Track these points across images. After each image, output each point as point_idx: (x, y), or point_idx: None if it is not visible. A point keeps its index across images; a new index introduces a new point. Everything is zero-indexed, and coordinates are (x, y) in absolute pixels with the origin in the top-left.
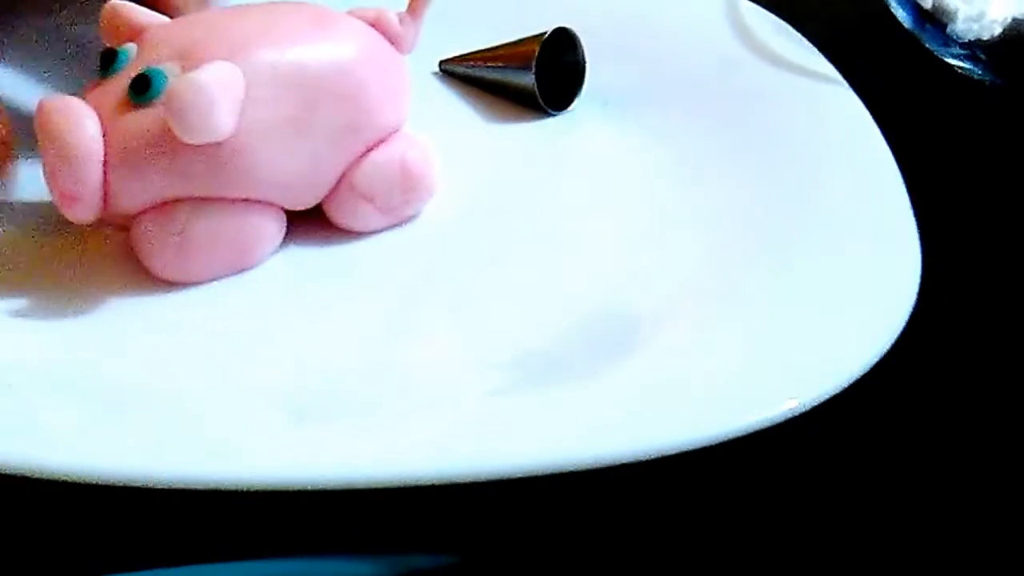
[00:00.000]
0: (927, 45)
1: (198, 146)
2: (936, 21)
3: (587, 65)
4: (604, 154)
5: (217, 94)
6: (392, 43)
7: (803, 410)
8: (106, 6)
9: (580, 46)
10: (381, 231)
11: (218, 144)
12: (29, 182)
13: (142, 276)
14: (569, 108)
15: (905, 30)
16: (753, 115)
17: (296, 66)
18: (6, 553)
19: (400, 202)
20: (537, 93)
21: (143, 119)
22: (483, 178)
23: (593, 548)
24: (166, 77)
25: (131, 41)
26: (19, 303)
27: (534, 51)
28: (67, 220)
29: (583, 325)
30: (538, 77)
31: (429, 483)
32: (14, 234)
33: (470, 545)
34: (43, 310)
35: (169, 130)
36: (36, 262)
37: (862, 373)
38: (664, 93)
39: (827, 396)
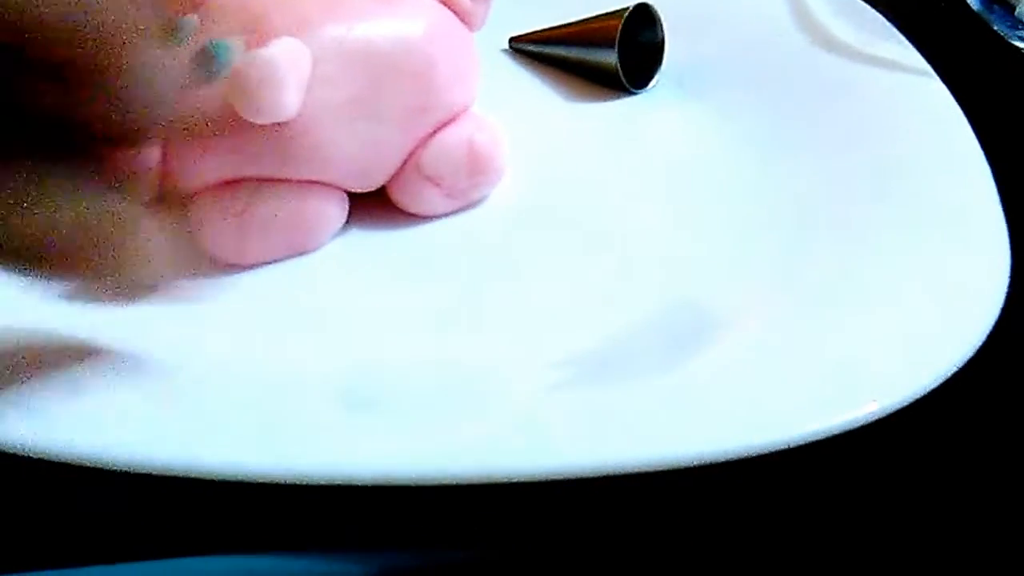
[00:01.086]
0: (995, 27)
1: (261, 125)
2: (1004, 3)
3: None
4: (680, 137)
5: (285, 73)
6: (461, 20)
7: (884, 414)
8: None
9: (660, 23)
10: (446, 215)
11: (282, 123)
12: None
13: (199, 257)
14: (649, 87)
15: (973, 12)
16: (835, 100)
17: (363, 43)
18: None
19: (467, 186)
20: (620, 71)
21: (206, 95)
22: (554, 161)
23: (637, 551)
24: (231, 52)
25: (192, 11)
26: (71, 285)
27: (616, 28)
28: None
29: (652, 319)
30: (620, 55)
31: (480, 482)
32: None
33: (486, 541)
34: (94, 292)
35: (231, 107)
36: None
37: (947, 376)
38: (741, 74)
39: (909, 400)
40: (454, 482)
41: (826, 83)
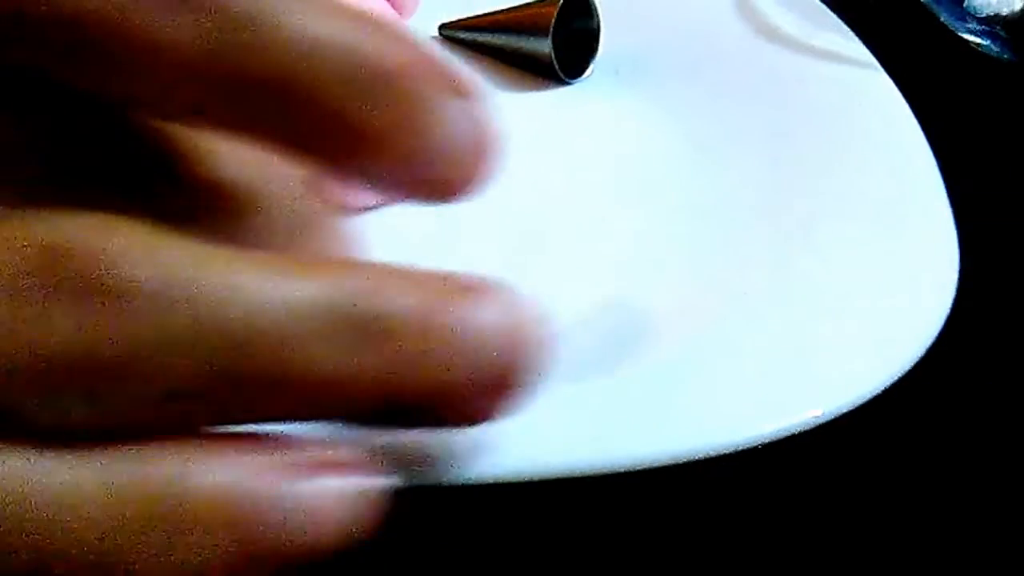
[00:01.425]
0: (942, 19)
1: None
2: None
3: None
4: (617, 129)
5: None
6: (391, 5)
7: (827, 419)
8: None
9: (595, 10)
10: (374, 208)
11: None
12: None
13: None
14: (583, 76)
15: (920, 3)
16: (777, 92)
17: None
18: None
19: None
20: (554, 61)
21: None
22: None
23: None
24: None
25: None
26: None
27: (551, 15)
28: None
29: (590, 320)
30: (554, 44)
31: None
32: None
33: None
34: None
35: None
36: None
37: (894, 380)
38: (680, 64)
39: (854, 405)
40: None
41: (768, 74)
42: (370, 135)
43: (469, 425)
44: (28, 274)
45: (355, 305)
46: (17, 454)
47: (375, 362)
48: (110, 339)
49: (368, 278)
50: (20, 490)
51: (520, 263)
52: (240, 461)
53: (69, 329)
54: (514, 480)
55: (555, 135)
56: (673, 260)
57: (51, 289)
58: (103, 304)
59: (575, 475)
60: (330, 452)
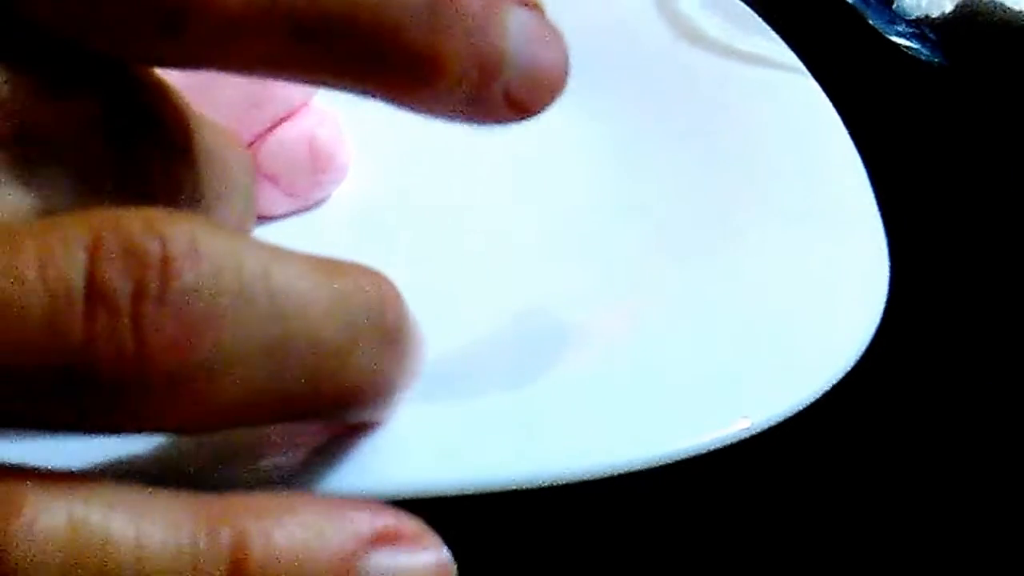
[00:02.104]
0: (871, 21)
1: None
2: None
3: None
4: (536, 136)
5: None
6: None
7: (756, 431)
8: None
9: None
10: (285, 216)
11: None
12: None
13: None
14: None
15: (848, 5)
16: (700, 97)
17: None
18: None
19: (308, 184)
20: None
21: None
22: (399, 159)
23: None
24: None
25: None
26: None
27: None
28: None
29: (507, 330)
30: None
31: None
32: None
33: None
34: None
35: None
36: None
37: (825, 389)
38: (599, 66)
39: (785, 415)
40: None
41: (690, 77)
42: (440, 58)
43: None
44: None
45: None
46: None
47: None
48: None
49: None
50: None
51: (433, 268)
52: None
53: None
54: (422, 495)
55: (471, 138)
56: (592, 267)
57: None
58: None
59: (491, 489)
60: (405, 522)
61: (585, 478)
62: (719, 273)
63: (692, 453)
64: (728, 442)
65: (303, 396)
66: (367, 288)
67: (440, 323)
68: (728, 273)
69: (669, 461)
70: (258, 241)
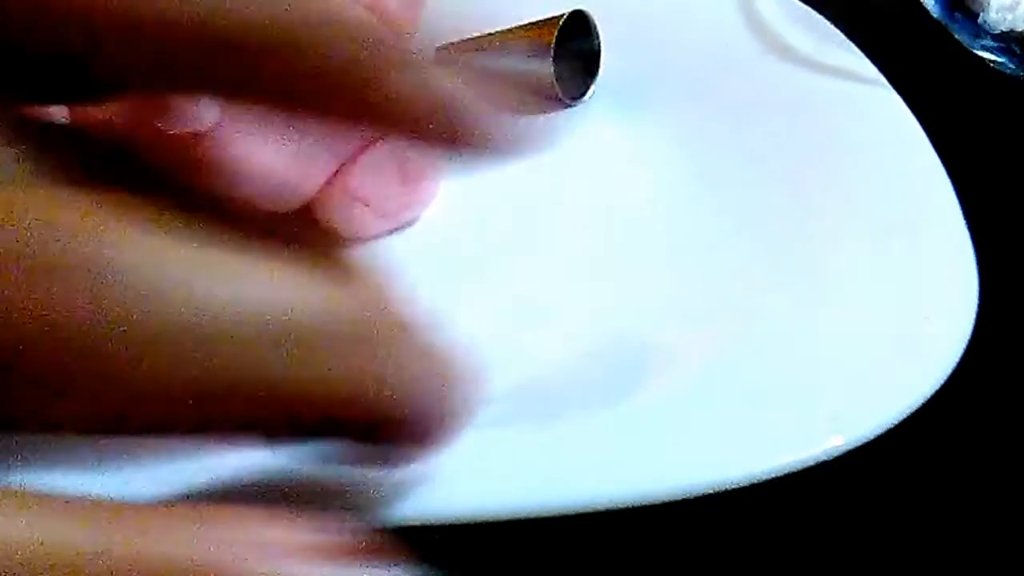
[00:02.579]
0: (956, 36)
1: (172, 136)
2: (967, 10)
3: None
4: (619, 153)
5: None
6: (390, 28)
7: (849, 448)
8: None
9: (595, 31)
10: (376, 237)
11: (195, 134)
12: None
13: None
14: (585, 98)
15: (933, 19)
16: (784, 114)
17: None
18: None
19: (398, 205)
20: (555, 82)
21: (118, 104)
22: (488, 178)
23: None
24: None
25: None
26: None
27: (551, 37)
28: None
29: (594, 350)
30: (555, 65)
31: (417, 524)
32: None
33: None
34: None
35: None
36: None
37: (919, 404)
38: (680, 84)
39: (878, 432)
40: (384, 525)
41: (774, 95)
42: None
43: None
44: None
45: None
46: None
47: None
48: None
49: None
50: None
51: (522, 289)
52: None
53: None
54: (521, 517)
55: (558, 158)
56: (680, 288)
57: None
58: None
59: (585, 511)
60: (352, 535)
61: (682, 497)
62: (807, 290)
63: (786, 470)
64: (822, 459)
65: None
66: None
67: (525, 343)
68: (816, 289)
69: (764, 479)
70: None
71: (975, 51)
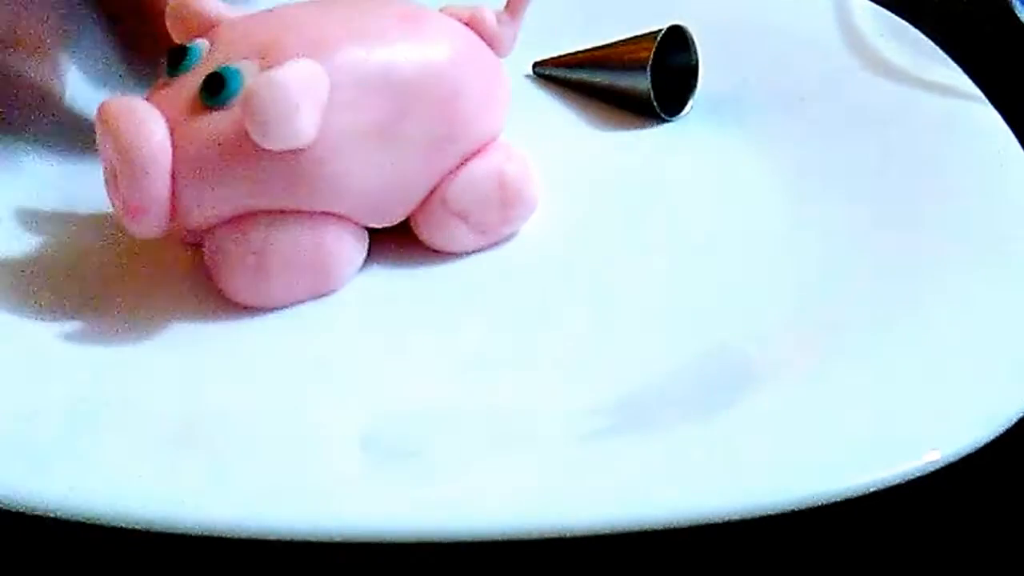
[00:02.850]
0: None
1: (276, 153)
2: None
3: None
4: (718, 168)
5: (300, 95)
6: (489, 44)
7: (946, 462)
8: None
9: (693, 45)
10: (474, 252)
11: (298, 151)
12: (88, 192)
13: (213, 299)
14: (683, 113)
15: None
16: (882, 129)
17: (385, 67)
18: None
19: (497, 220)
20: (652, 97)
21: (217, 122)
22: (585, 194)
23: None
24: (242, 77)
25: (200, 37)
26: (78, 327)
27: (649, 51)
28: (131, 235)
29: (691, 363)
30: (652, 80)
31: (512, 539)
32: (73, 251)
33: None
34: (104, 335)
35: (245, 135)
36: (97, 282)
37: (1015, 420)
38: (778, 99)
39: (974, 447)
40: (484, 538)
41: (872, 110)
42: None
43: None
44: None
45: None
46: None
47: None
48: None
49: None
50: None
51: (618, 305)
52: None
53: None
54: (607, 531)
55: (656, 174)
56: (778, 301)
57: None
58: None
59: (679, 525)
60: None
61: (776, 511)
62: (902, 304)
63: (882, 485)
64: (918, 474)
65: None
66: None
67: (622, 357)
68: (911, 304)
69: (859, 493)
70: None
71: None
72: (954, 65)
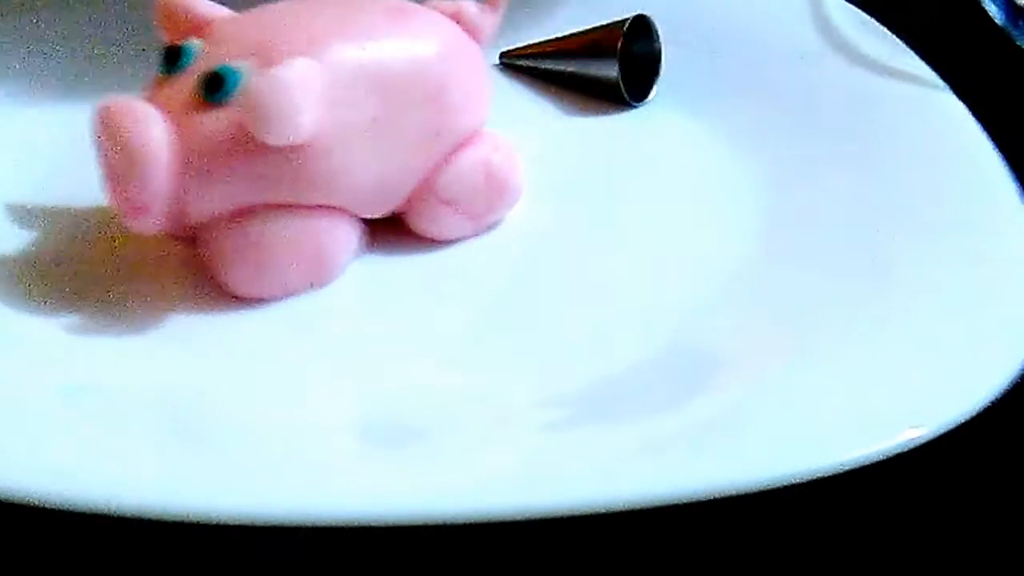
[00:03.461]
0: (1020, 43)
1: (276, 149)
2: None
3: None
4: (687, 153)
5: (300, 92)
6: (471, 35)
7: (927, 439)
8: None
9: (656, 33)
10: (464, 239)
11: (297, 147)
12: (87, 190)
13: (209, 289)
14: (648, 99)
15: (996, 26)
16: (843, 117)
17: (376, 63)
18: None
19: (485, 208)
20: (621, 84)
21: (216, 120)
22: (564, 181)
23: None
24: (241, 75)
25: (194, 35)
26: (77, 322)
27: (617, 40)
28: (130, 232)
29: (666, 346)
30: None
31: (483, 521)
32: (73, 248)
33: None
34: (103, 330)
35: (244, 132)
36: (96, 278)
37: (992, 398)
38: (741, 88)
39: (952, 424)
40: (464, 520)
41: (837, 96)
42: None
43: None
44: None
45: None
46: None
47: None
48: None
49: None
50: None
51: (600, 289)
52: None
53: None
54: (582, 512)
55: (629, 159)
56: (744, 288)
57: None
58: None
59: (660, 504)
60: None
61: (755, 489)
62: (877, 288)
63: (862, 462)
64: (897, 451)
65: None
66: None
67: (606, 342)
68: (886, 288)
69: (838, 471)
70: None
71: None
72: (917, 58)
